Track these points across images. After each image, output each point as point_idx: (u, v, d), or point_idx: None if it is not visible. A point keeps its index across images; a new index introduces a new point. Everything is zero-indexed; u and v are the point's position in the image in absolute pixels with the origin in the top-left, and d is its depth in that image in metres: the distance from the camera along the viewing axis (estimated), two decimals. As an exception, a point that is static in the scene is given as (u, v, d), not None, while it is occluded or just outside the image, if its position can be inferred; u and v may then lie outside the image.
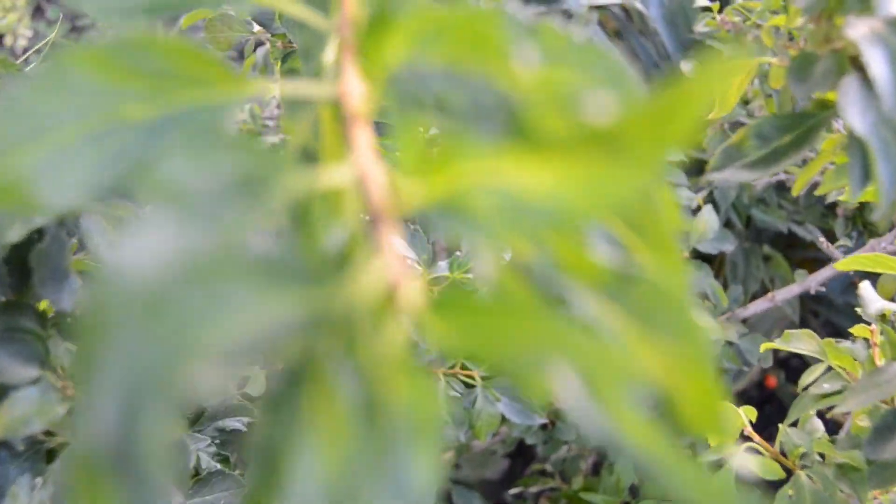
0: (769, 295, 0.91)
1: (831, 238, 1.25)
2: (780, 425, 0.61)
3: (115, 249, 0.17)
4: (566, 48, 0.24)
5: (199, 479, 0.61)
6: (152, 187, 0.19)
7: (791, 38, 0.44)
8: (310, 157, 0.27)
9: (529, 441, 1.00)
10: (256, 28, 0.68)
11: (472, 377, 0.83)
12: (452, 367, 0.84)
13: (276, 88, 0.24)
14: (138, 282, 0.16)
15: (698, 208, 0.97)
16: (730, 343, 0.93)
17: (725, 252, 1.12)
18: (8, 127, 0.23)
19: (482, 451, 1.21)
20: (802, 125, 0.44)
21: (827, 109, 0.42)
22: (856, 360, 0.58)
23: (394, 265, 0.19)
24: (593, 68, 0.18)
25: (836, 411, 0.54)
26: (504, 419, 0.86)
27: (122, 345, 0.15)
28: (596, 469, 1.14)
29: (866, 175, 0.41)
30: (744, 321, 0.96)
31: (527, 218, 0.17)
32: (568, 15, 1.24)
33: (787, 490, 0.58)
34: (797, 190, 0.52)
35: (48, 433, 0.50)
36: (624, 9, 1.48)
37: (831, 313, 1.34)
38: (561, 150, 0.16)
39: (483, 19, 0.18)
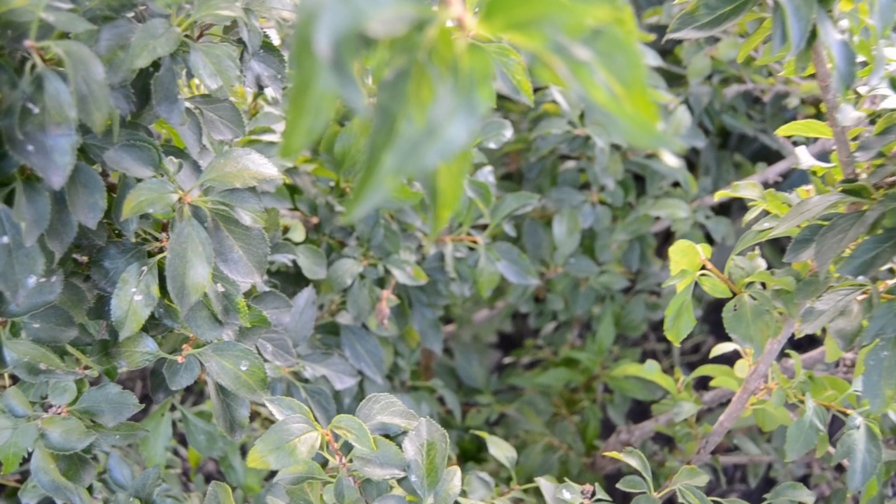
0: (733, 185, 1.04)
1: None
2: (731, 256, 0.75)
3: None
4: None
5: (255, 297, 0.75)
6: None
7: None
8: None
9: (524, 309, 1.14)
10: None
11: (475, 242, 0.97)
12: (459, 234, 0.97)
13: None
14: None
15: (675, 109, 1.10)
16: (699, 224, 1.07)
17: (700, 154, 1.26)
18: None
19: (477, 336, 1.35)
20: (740, -4, 0.57)
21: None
22: (788, 204, 0.72)
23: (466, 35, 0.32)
24: None
25: (773, 234, 0.68)
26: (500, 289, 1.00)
27: (328, 16, 0.28)
28: (581, 336, 1.29)
29: (784, 34, 0.54)
30: (711, 208, 1.09)
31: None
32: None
33: (731, 305, 0.72)
34: (742, 56, 0.65)
35: (154, 238, 0.64)
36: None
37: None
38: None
39: None
